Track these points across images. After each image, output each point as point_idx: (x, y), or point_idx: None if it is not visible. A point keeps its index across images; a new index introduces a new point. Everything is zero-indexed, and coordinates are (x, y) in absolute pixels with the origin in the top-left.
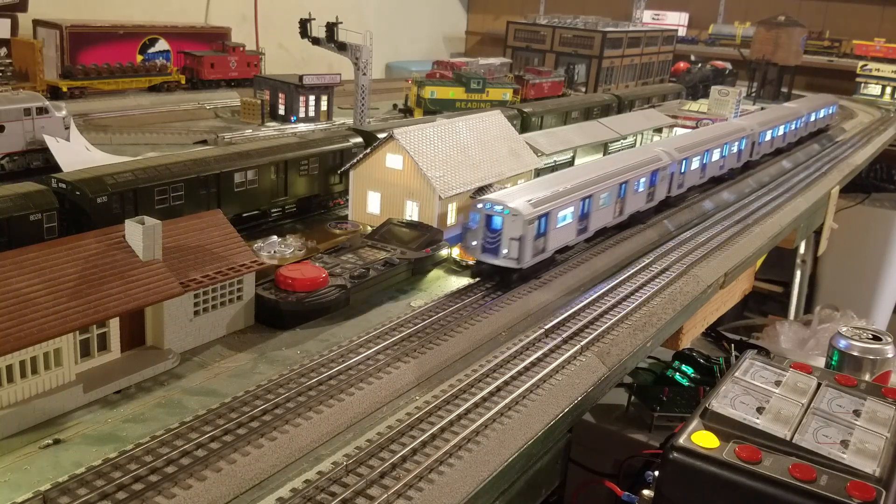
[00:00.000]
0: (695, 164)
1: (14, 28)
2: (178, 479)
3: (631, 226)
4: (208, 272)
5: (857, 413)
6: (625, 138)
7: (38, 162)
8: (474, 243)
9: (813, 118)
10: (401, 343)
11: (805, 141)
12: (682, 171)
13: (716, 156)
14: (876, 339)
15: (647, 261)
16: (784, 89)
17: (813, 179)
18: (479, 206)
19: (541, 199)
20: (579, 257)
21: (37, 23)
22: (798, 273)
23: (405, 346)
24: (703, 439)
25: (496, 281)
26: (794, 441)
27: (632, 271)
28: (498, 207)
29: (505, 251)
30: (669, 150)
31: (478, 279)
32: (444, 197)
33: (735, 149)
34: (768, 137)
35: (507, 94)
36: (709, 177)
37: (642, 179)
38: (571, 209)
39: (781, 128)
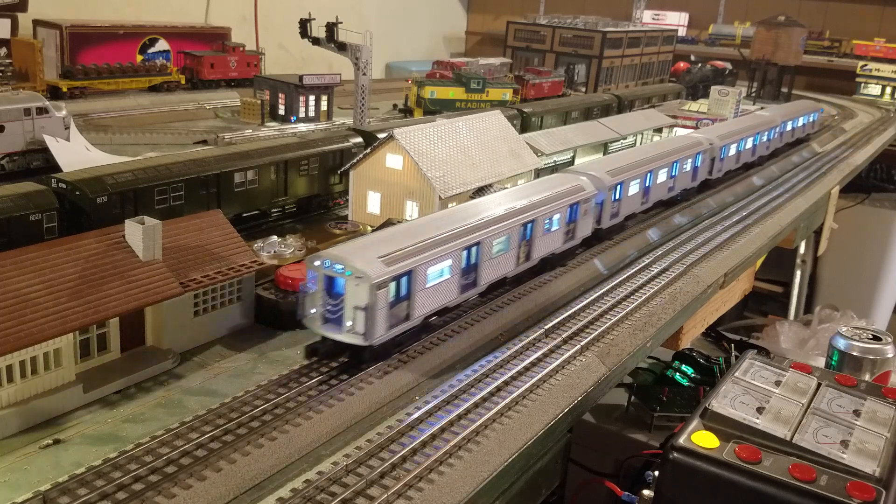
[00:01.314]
0: (633, 188)
1: (14, 28)
2: (178, 479)
3: (545, 270)
4: (208, 272)
5: (857, 413)
6: (625, 138)
7: (38, 162)
8: (313, 311)
9: (790, 127)
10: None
11: (781, 153)
12: (617, 197)
13: (662, 176)
14: (876, 339)
15: (648, 261)
16: (784, 89)
17: (813, 179)
18: (317, 263)
19: (401, 254)
20: (465, 319)
21: (37, 23)
22: (798, 273)
23: (405, 346)
24: (703, 439)
25: (343, 361)
26: (794, 441)
27: (632, 271)
28: (339, 267)
29: (349, 324)
30: (599, 175)
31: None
32: (444, 197)
33: (688, 166)
34: (732, 152)
35: (507, 94)
36: (654, 201)
37: (556, 216)
38: (449, 262)
39: (749, 140)
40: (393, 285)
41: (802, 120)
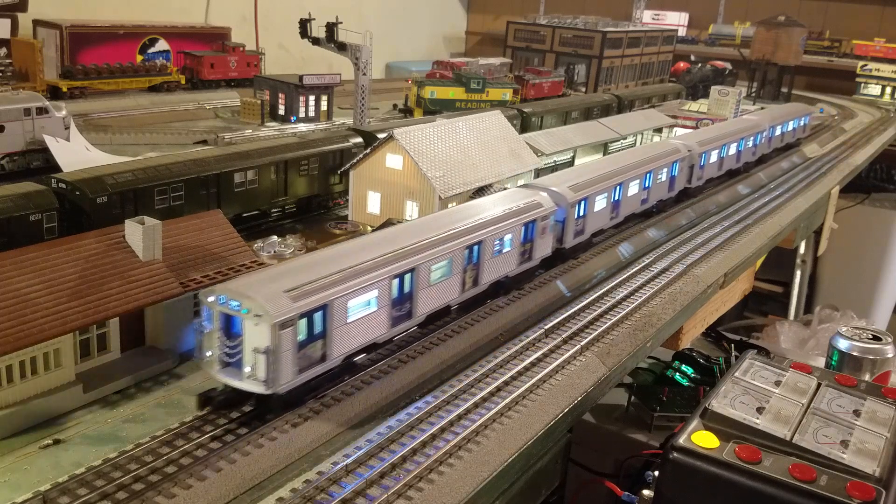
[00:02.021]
0: (600, 203)
1: (14, 28)
2: (178, 479)
3: (498, 295)
4: (208, 272)
5: (857, 413)
6: (625, 138)
7: (38, 162)
8: (209, 354)
9: (778, 132)
10: (401, 342)
11: (769, 159)
12: (581, 213)
13: (633, 188)
14: (876, 339)
15: (648, 261)
16: (784, 89)
17: (813, 179)
18: (211, 299)
19: (314, 286)
20: (399, 355)
21: (37, 23)
22: (798, 273)
23: (405, 345)
24: (703, 439)
25: (245, 412)
26: (794, 441)
27: (632, 271)
28: (235, 303)
29: (248, 369)
30: (560, 190)
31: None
32: (444, 197)
33: (664, 176)
34: (713, 159)
35: (507, 94)
36: (625, 215)
37: (508, 236)
38: (375, 293)
39: (733, 146)
40: (302, 323)
41: (792, 124)
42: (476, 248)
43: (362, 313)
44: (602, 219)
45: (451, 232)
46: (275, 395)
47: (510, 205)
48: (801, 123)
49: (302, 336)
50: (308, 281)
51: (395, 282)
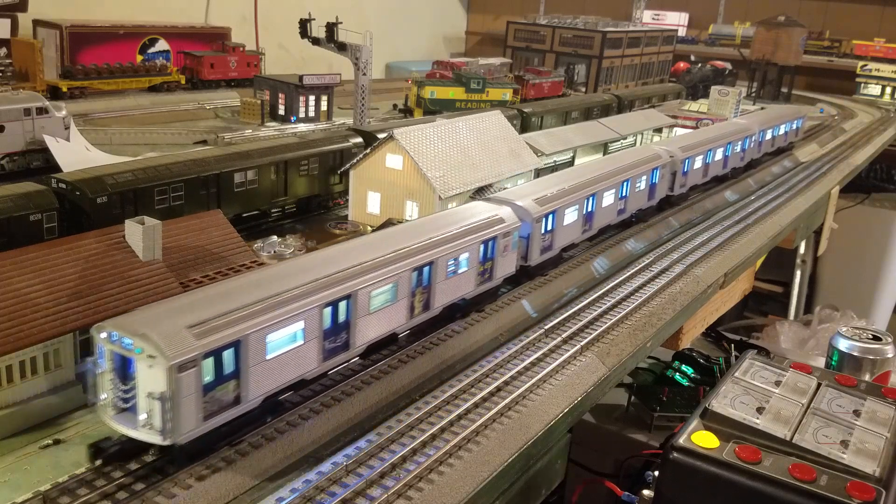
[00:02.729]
0: (570, 216)
1: (14, 28)
2: (178, 480)
3: (453, 319)
4: (208, 272)
5: (857, 413)
6: (625, 138)
7: (38, 162)
8: (103, 397)
9: (769, 136)
10: (401, 342)
11: (759, 164)
12: (548, 228)
13: (608, 199)
14: (876, 339)
15: (648, 261)
16: (784, 89)
17: (813, 179)
18: (103, 335)
19: (224, 320)
20: (333, 391)
21: (37, 23)
22: (798, 273)
23: (405, 346)
24: (703, 439)
25: (136, 468)
26: (794, 441)
27: (632, 271)
28: (128, 342)
29: (143, 416)
30: (524, 204)
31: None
32: (444, 197)
33: (643, 184)
34: (698, 164)
35: (507, 94)
36: (600, 227)
37: (464, 255)
38: (301, 324)
39: (719, 151)
40: (209, 363)
41: (784, 128)
42: (426, 269)
43: (286, 348)
44: (573, 232)
45: (396, 253)
46: (176, 446)
47: (468, 221)
48: (794, 127)
49: (208, 378)
50: (217, 314)
51: (328, 310)
